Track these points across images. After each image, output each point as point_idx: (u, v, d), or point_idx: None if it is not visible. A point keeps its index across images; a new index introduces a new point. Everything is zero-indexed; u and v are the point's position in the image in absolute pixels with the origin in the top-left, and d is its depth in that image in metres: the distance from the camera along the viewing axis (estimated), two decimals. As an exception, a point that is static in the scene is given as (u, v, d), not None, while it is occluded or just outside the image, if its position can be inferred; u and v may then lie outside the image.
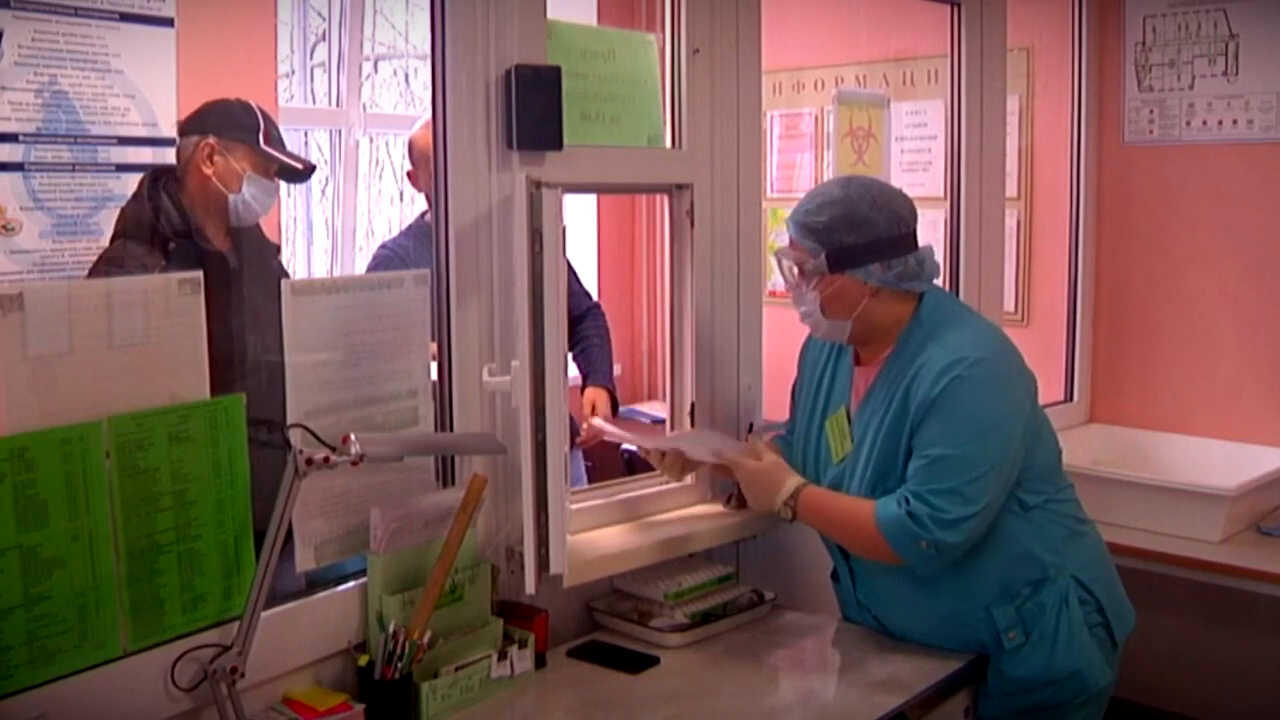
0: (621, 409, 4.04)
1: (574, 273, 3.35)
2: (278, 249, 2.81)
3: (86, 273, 2.68)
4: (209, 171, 2.51)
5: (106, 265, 2.46)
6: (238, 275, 2.53)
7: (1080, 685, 2.26)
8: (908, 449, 2.20)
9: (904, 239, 2.26)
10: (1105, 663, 2.30)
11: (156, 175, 2.56)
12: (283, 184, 2.67)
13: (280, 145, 2.60)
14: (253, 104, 2.61)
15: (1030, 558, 2.25)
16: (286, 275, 2.76)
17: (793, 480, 2.30)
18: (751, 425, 2.70)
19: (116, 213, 3.02)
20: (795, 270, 2.29)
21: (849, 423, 2.35)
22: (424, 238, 3.06)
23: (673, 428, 2.67)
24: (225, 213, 2.52)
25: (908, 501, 2.14)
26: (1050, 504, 2.30)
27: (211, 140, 2.52)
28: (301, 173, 2.69)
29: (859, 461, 2.30)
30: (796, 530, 2.74)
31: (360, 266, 4.17)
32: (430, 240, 2.93)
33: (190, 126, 2.58)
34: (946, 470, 2.13)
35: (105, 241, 3.11)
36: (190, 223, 2.48)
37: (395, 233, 4.29)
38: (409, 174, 3.22)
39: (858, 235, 2.22)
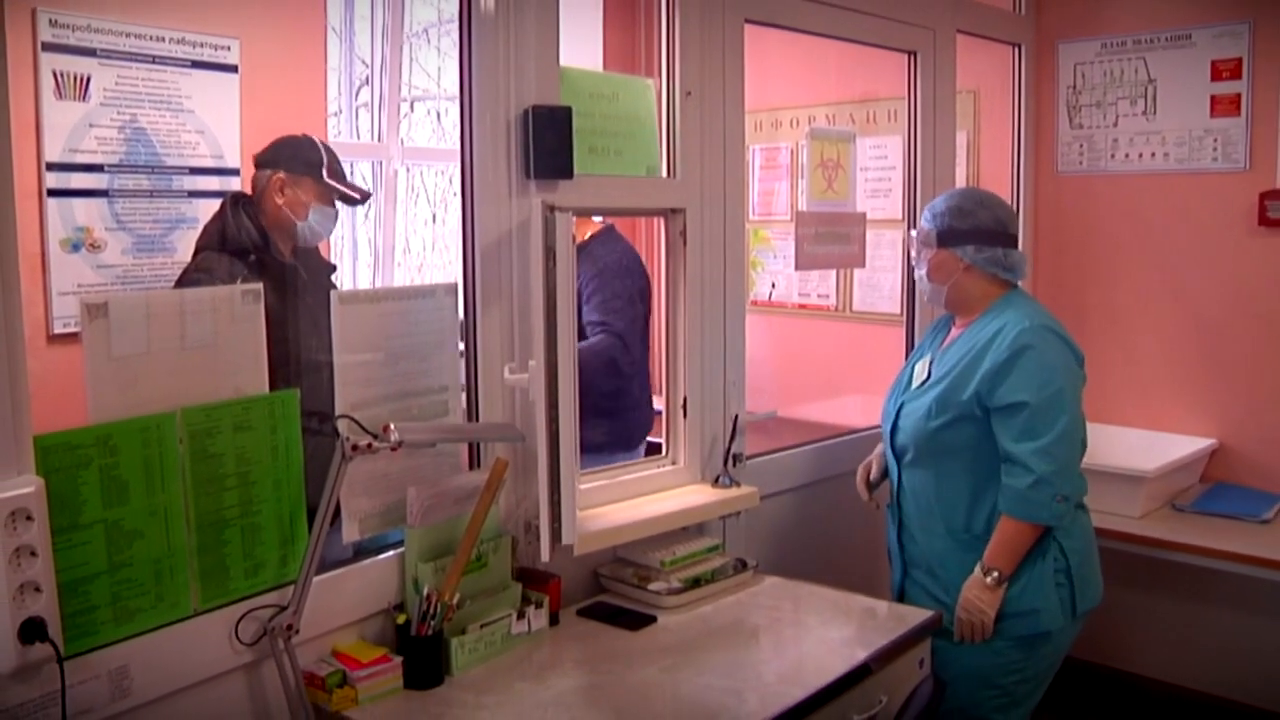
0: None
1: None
2: (333, 268, 2.79)
3: (174, 279, 2.67)
4: (280, 201, 2.49)
5: (195, 273, 2.44)
6: (302, 286, 2.52)
7: (1035, 623, 2.36)
8: (976, 390, 2.36)
9: (998, 234, 2.47)
10: (1061, 611, 2.38)
11: (236, 199, 2.53)
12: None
13: (340, 176, 2.58)
14: (317, 140, 2.60)
15: None
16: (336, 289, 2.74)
17: (974, 572, 2.38)
18: (736, 417, 2.69)
19: (192, 231, 3.03)
20: (917, 243, 2.54)
21: (931, 363, 2.55)
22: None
23: (669, 419, 2.67)
24: (293, 234, 2.52)
25: (1029, 470, 2.29)
26: None
27: (282, 174, 2.50)
28: (359, 200, 2.67)
29: (929, 388, 2.48)
30: (775, 508, 2.75)
31: (399, 280, 4.16)
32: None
33: (264, 160, 2.55)
34: (1042, 416, 2.30)
35: (179, 258, 3.12)
36: (267, 239, 2.47)
37: (428, 251, 4.29)
38: None
39: (962, 222, 2.47)
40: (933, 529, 2.50)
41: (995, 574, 2.35)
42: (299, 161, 2.53)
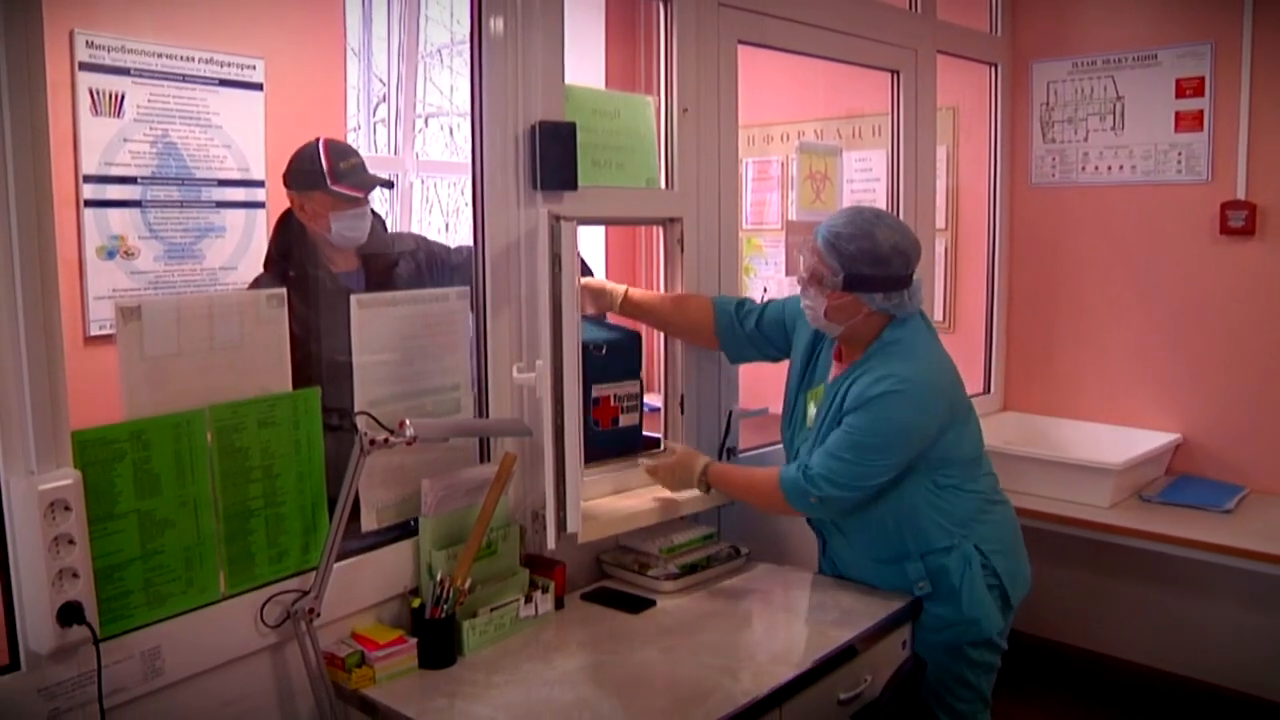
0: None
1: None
2: (396, 261, 2.55)
3: (203, 284, 2.58)
4: (304, 219, 2.43)
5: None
6: (346, 295, 2.40)
7: (977, 631, 2.26)
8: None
9: (907, 278, 2.22)
10: (1000, 616, 2.29)
11: (283, 220, 2.45)
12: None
13: (349, 176, 2.40)
14: (320, 144, 2.43)
15: (937, 527, 2.24)
16: (421, 273, 2.55)
17: (702, 460, 2.36)
18: (731, 413, 2.70)
19: (220, 239, 3.01)
20: (810, 272, 2.23)
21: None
22: None
23: (667, 416, 2.67)
24: (332, 244, 2.43)
25: (808, 467, 2.19)
26: (962, 486, 2.27)
27: (294, 193, 2.43)
28: (372, 190, 2.46)
29: (815, 432, 2.30)
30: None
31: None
32: None
33: (284, 181, 2.46)
34: (853, 447, 2.15)
35: (208, 265, 3.13)
36: (312, 254, 2.40)
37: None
38: None
39: (875, 269, 2.18)
40: (859, 558, 2.36)
41: (704, 485, 2.36)
42: (302, 176, 2.42)
